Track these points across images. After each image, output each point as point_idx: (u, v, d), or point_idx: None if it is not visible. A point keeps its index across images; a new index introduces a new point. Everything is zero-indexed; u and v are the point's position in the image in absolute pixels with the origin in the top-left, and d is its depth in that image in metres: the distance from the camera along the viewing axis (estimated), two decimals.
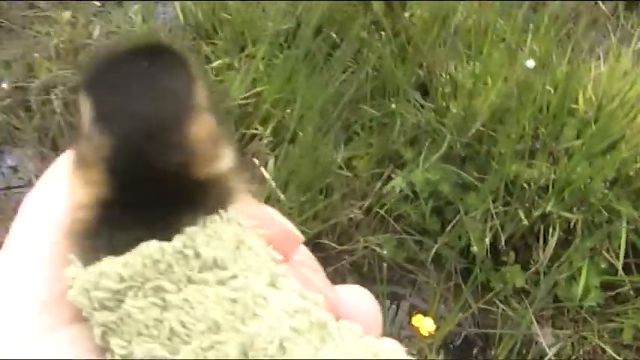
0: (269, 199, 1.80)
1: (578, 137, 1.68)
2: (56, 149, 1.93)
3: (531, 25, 1.91)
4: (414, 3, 2.18)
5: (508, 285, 1.77)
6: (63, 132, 1.95)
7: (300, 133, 1.87)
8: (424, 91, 2.01)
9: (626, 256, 1.73)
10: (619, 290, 1.74)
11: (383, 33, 2.13)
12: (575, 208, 1.66)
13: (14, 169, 1.98)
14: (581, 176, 1.63)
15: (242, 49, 2.14)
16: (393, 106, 1.92)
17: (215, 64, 2.08)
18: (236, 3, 2.19)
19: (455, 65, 1.94)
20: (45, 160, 1.95)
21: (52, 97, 2.00)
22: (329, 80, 1.96)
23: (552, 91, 1.69)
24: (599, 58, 1.86)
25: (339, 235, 1.83)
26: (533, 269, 1.75)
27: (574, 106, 1.67)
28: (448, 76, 1.90)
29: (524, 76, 1.69)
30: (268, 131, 1.90)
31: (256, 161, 1.86)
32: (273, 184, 1.82)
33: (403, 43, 2.10)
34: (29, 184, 1.92)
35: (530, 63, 1.67)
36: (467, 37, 2.01)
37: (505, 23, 1.99)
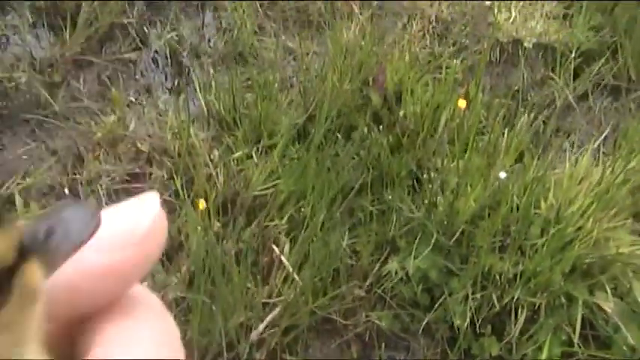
0: (285, 280, 2.22)
1: (542, 235, 2.11)
2: None
3: (506, 132, 2.35)
4: (409, 99, 2.60)
5: (486, 353, 2.20)
6: None
7: (312, 221, 2.29)
8: (418, 180, 2.45)
9: (583, 328, 2.17)
10: (577, 358, 2.18)
11: (381, 126, 2.56)
12: (539, 293, 2.09)
13: None
14: (544, 268, 2.06)
15: (259, 140, 2.56)
16: (390, 197, 2.35)
17: (236, 155, 2.50)
18: (254, 100, 2.61)
19: (442, 161, 2.37)
20: None
21: (98, 187, 2.41)
22: (336, 173, 2.38)
23: (521, 194, 2.13)
24: (563, 161, 2.30)
25: (345, 311, 2.25)
26: (506, 340, 2.18)
27: (538, 211, 2.11)
28: (436, 173, 2.33)
29: (499, 184, 2.12)
30: (284, 220, 2.33)
31: (274, 247, 2.29)
32: (290, 267, 2.24)
33: (399, 136, 2.53)
34: None
35: (503, 174, 2.11)
36: (453, 134, 2.44)
37: (482, 125, 2.42)
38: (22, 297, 0.30)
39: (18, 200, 2.25)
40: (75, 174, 2.45)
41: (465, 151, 2.37)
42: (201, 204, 2.07)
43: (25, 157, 2.54)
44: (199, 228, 2.03)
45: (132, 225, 0.35)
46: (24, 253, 0.31)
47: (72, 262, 0.33)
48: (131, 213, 0.36)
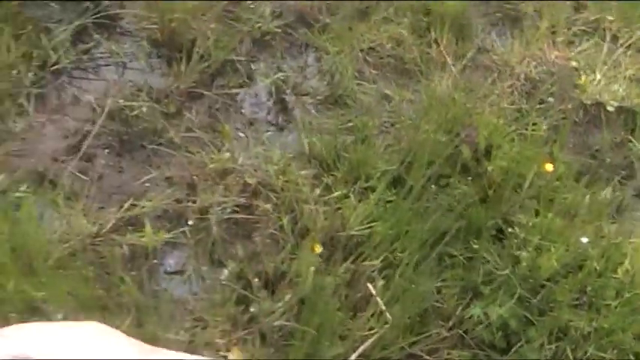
0: (379, 318, 2.52)
1: (616, 297, 2.40)
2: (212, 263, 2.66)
3: (587, 195, 2.64)
4: (498, 153, 2.88)
5: None
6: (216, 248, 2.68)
7: (404, 263, 2.59)
8: (502, 232, 2.74)
9: None
10: None
11: (470, 177, 2.86)
12: (610, 350, 2.38)
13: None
14: (617, 328, 2.35)
15: (356, 182, 2.86)
16: (476, 246, 2.65)
17: (335, 194, 2.81)
18: (353, 142, 2.92)
19: (526, 217, 2.66)
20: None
21: (209, 216, 2.74)
22: (428, 219, 2.68)
23: (600, 258, 2.42)
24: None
25: (429, 349, 2.55)
26: None
27: (615, 275, 2.40)
28: (520, 228, 2.62)
29: (580, 248, 2.41)
30: (379, 260, 2.63)
31: (369, 285, 2.60)
32: (382, 304, 2.55)
33: (486, 188, 2.83)
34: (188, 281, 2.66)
35: (585, 240, 2.40)
36: (538, 191, 2.73)
37: (564, 185, 2.72)
38: None
39: (148, 224, 2.59)
40: (187, 202, 2.78)
41: (548, 210, 2.66)
42: (317, 247, 2.39)
43: (141, 181, 2.87)
44: (312, 268, 2.35)
45: None
46: None
47: None
48: None
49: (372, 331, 2.51)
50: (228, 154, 2.88)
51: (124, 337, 0.38)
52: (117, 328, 2.32)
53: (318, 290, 2.34)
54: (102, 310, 2.41)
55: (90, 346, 0.39)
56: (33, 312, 2.34)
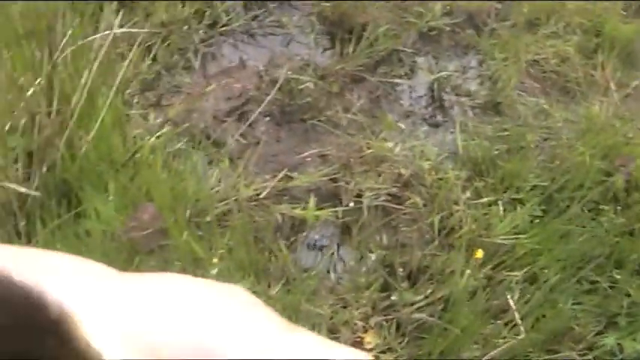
0: (512, 329, 2.62)
1: None
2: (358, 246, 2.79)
3: None
4: None
5: None
6: (364, 232, 2.81)
7: (545, 281, 2.68)
8: None
9: None
10: None
11: (619, 207, 2.92)
12: None
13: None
14: None
15: (505, 191, 2.96)
16: (618, 276, 2.72)
17: (484, 199, 2.91)
18: (507, 151, 3.01)
19: None
20: None
21: (362, 199, 2.87)
22: (574, 241, 2.76)
23: None
24: None
25: None
26: None
27: None
28: None
29: None
30: (521, 272, 2.73)
31: (508, 295, 2.70)
32: (519, 319, 2.64)
33: (634, 220, 2.89)
34: None
35: None
36: None
37: None
38: None
39: (312, 200, 2.74)
40: (342, 182, 2.91)
41: None
42: (479, 252, 2.49)
43: (297, 154, 3.02)
44: (468, 271, 2.46)
45: None
46: None
47: None
48: None
49: (504, 340, 2.61)
50: (386, 143, 2.99)
51: (264, 309, 0.36)
52: (266, 292, 2.48)
53: (469, 293, 2.45)
54: (255, 273, 2.57)
55: (226, 312, 0.37)
56: (194, 263, 2.51)
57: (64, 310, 0.34)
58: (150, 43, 3.13)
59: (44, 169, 2.67)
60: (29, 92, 2.66)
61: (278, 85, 3.03)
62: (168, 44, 3.26)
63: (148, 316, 0.40)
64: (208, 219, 2.67)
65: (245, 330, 0.41)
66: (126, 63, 2.87)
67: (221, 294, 0.44)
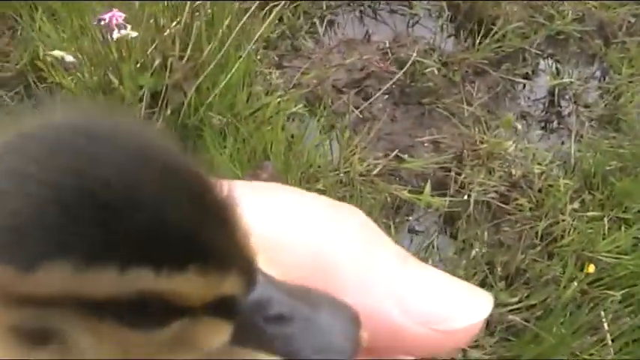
0: (601, 346, 2.66)
1: None
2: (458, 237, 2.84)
3: None
4: None
5: None
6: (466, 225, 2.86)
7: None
8: None
9: None
10: None
11: None
12: None
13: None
14: None
15: (612, 208, 2.97)
16: None
17: (590, 213, 2.93)
18: (619, 169, 3.03)
19: None
20: None
21: (470, 192, 2.91)
22: None
23: None
24: None
25: None
26: None
27: None
28: None
29: None
30: (618, 294, 2.75)
31: (602, 313, 2.73)
32: (610, 340, 2.68)
33: None
34: None
35: None
36: None
37: None
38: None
39: (428, 185, 2.79)
40: (452, 172, 2.96)
41: None
42: (591, 267, 2.53)
43: (410, 136, 3.07)
44: (575, 283, 2.50)
45: (454, 312, 0.40)
46: (229, 308, 0.33)
47: (395, 309, 0.39)
48: (460, 300, 0.41)
49: (590, 357, 2.65)
50: (501, 140, 3.02)
51: (381, 234, 0.34)
52: None
53: (570, 304, 2.49)
54: None
55: (344, 231, 0.41)
56: None
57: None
58: (277, 3, 3.18)
59: (168, 111, 2.76)
60: (166, 32, 2.75)
61: (407, 67, 3.07)
62: (296, 6, 3.32)
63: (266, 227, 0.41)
64: (319, 187, 2.74)
65: (363, 254, 0.41)
66: (258, 22, 2.95)
67: (340, 212, 0.44)
